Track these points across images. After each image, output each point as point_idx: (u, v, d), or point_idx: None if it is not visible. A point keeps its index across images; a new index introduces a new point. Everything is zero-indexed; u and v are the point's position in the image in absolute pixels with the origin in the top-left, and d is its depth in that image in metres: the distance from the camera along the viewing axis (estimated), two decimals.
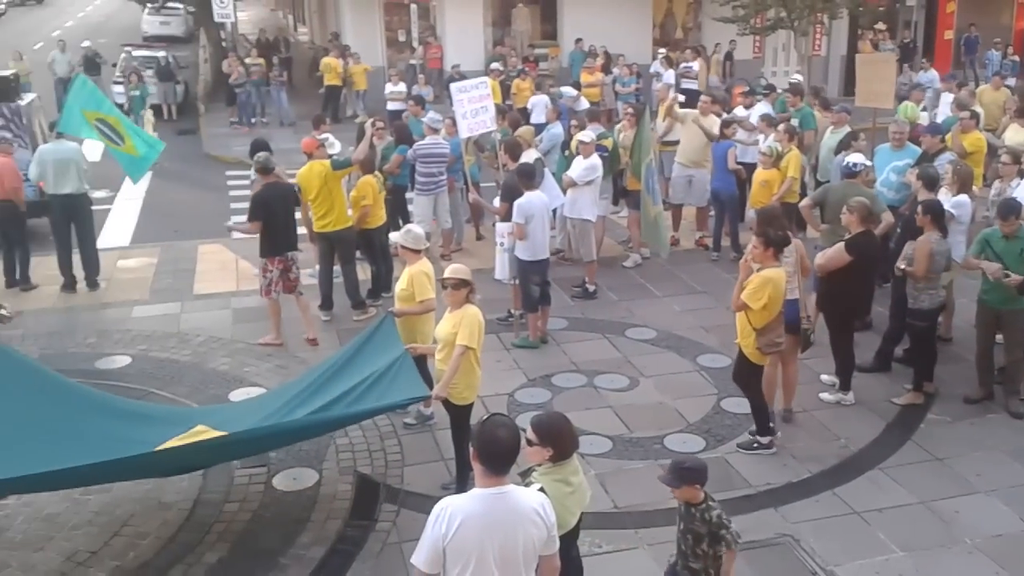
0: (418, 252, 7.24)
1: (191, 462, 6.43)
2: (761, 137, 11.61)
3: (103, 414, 6.27)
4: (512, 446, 3.74)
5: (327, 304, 9.92)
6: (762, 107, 13.06)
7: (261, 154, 9.36)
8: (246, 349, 9.15)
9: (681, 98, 12.83)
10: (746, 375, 7.10)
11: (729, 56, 24.08)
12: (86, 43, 24.62)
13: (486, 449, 3.71)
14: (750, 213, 11.19)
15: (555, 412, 4.75)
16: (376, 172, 10.26)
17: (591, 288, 10.48)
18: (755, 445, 7.18)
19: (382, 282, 10.38)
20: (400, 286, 7.25)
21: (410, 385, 6.27)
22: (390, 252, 10.31)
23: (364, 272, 10.47)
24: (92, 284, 10.90)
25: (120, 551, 6.06)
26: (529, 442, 4.27)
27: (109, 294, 10.81)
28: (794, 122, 12.08)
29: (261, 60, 22.45)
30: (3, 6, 45.94)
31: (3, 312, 6.83)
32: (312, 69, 24.51)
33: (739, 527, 6.20)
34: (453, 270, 6.36)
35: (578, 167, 10.17)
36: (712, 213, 12.01)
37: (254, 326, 9.65)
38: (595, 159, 10.23)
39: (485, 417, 3.90)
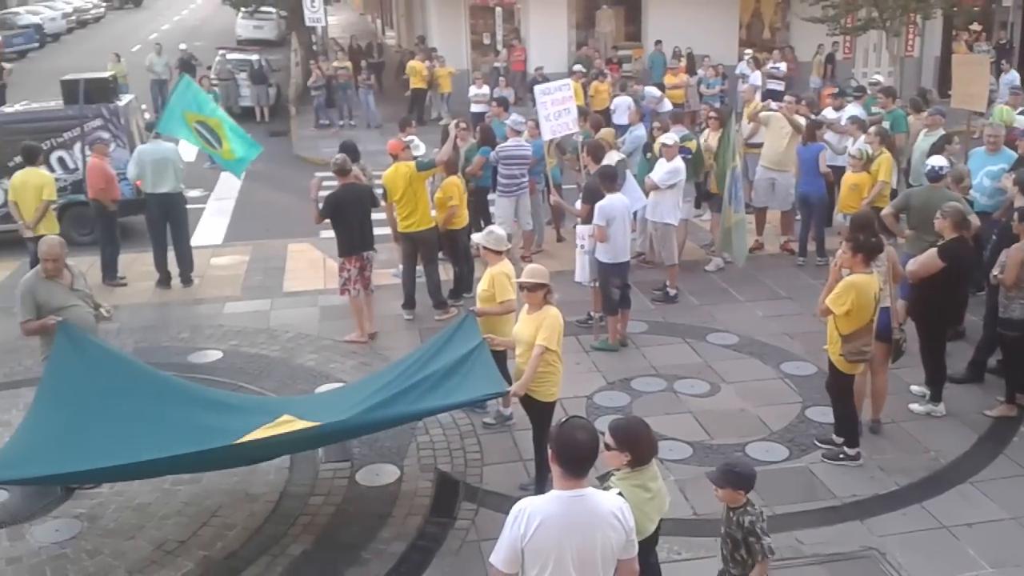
0: (499, 253, 7.30)
1: (275, 451, 6.60)
2: (851, 140, 11.36)
3: (193, 404, 6.46)
4: (590, 449, 3.74)
5: (410, 303, 10.07)
6: (852, 109, 12.77)
7: (338, 156, 9.54)
8: (332, 346, 9.35)
9: (774, 106, 12.60)
10: (836, 385, 6.97)
11: (831, 58, 23.53)
12: (182, 46, 25.43)
13: (564, 451, 3.72)
14: (838, 218, 10.96)
15: (634, 417, 4.73)
16: (459, 174, 10.38)
17: (672, 292, 10.40)
18: (841, 456, 7.03)
19: (464, 283, 10.49)
20: (481, 287, 7.32)
21: (489, 380, 6.33)
22: (471, 253, 10.42)
23: (446, 272, 10.60)
24: (186, 280, 11.27)
25: (208, 541, 6.26)
26: (607, 446, 4.27)
27: (202, 290, 11.17)
28: (885, 124, 11.78)
29: (348, 64, 22.87)
30: (103, 9, 47.74)
31: (103, 311, 7.10)
32: (399, 72, 24.87)
33: (823, 539, 6.13)
34: (529, 272, 6.38)
35: (661, 170, 10.11)
36: (798, 217, 11.79)
37: (340, 323, 9.85)
38: (678, 162, 10.16)
39: (564, 419, 3.91)
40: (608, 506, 3.75)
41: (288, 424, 6.20)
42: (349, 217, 9.18)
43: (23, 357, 8.77)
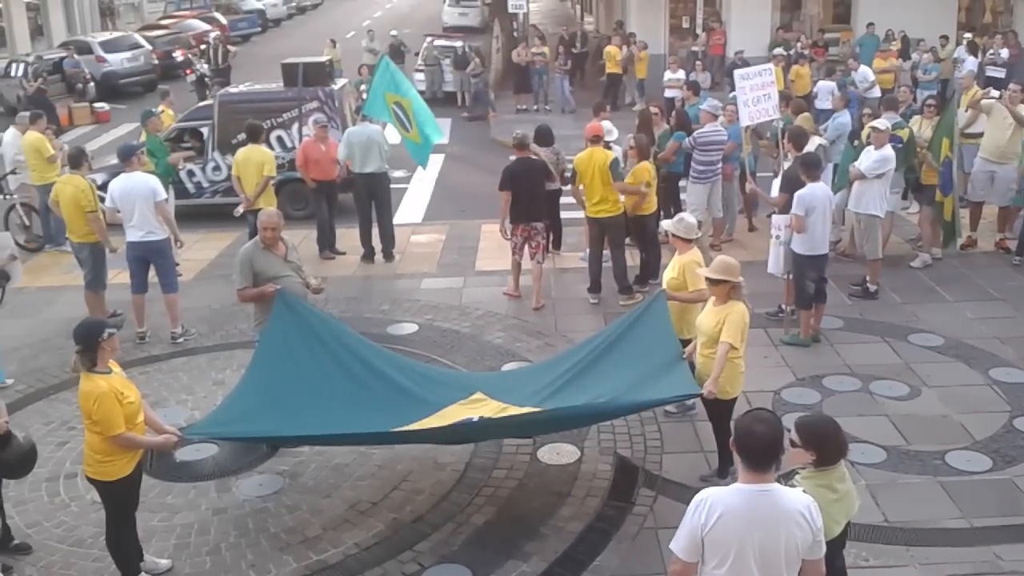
0: (689, 241, 7.21)
1: (470, 438, 6.87)
2: None
3: (398, 374, 6.82)
4: (771, 442, 3.66)
5: (595, 287, 10.13)
6: None
7: (518, 131, 10.04)
8: (519, 325, 9.58)
9: (995, 94, 11.75)
10: None
11: None
12: (393, 32, 26.49)
13: (743, 443, 3.67)
14: None
15: (823, 415, 4.57)
16: (650, 159, 10.31)
17: (872, 288, 9.93)
18: None
19: (650, 269, 10.43)
20: (670, 274, 7.25)
21: (680, 380, 6.26)
22: (658, 239, 10.35)
23: (632, 258, 10.58)
24: (388, 256, 11.82)
25: (398, 504, 6.59)
26: (792, 443, 4.15)
27: (402, 266, 11.69)
28: None
29: (545, 49, 23.11)
30: None
31: (312, 282, 7.54)
32: (595, 58, 24.89)
33: None
34: (717, 266, 6.26)
35: (869, 158, 9.64)
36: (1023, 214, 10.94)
37: (528, 304, 10.07)
38: (888, 150, 9.65)
39: (747, 411, 3.86)
40: (795, 504, 3.66)
41: (480, 403, 6.44)
42: (520, 188, 9.71)
43: (239, 321, 9.50)
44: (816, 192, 8.50)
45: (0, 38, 32.44)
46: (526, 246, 10.06)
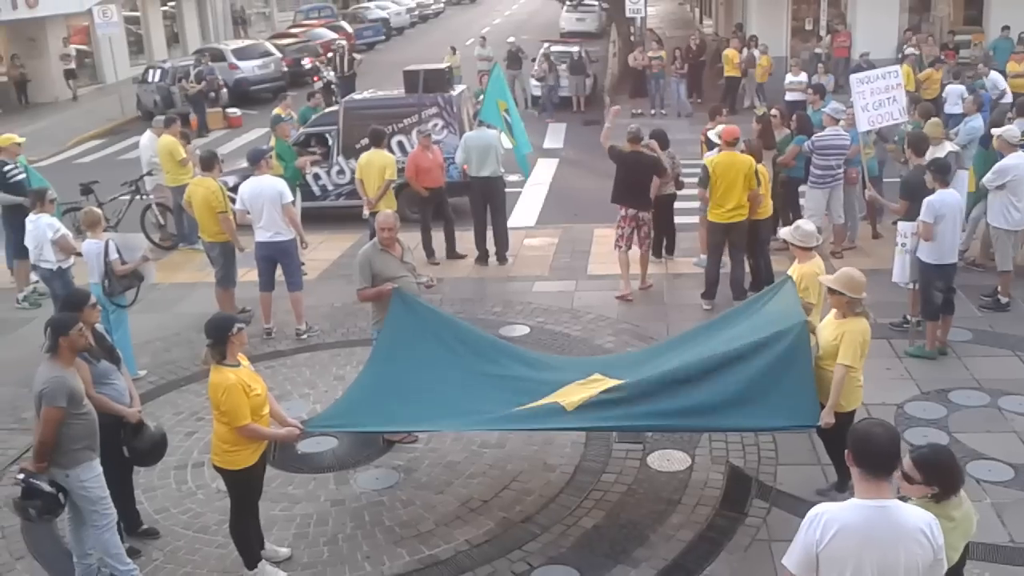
0: (807, 250, 7.00)
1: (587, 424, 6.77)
2: None
3: (514, 362, 6.96)
4: (890, 447, 3.55)
5: (711, 294, 9.99)
6: None
7: (633, 126, 10.43)
8: (630, 329, 9.55)
9: None
10: None
11: None
12: (510, 39, 26.76)
13: (860, 447, 3.56)
14: None
15: (939, 446, 4.32)
16: (764, 162, 10.09)
17: (1004, 300, 9.48)
18: None
19: (761, 276, 10.21)
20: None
21: (804, 410, 5.98)
22: (767, 246, 10.20)
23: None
24: (502, 258, 11.99)
25: (508, 503, 6.68)
26: (908, 478, 3.93)
27: (515, 268, 11.82)
28: None
29: (662, 53, 22.93)
30: (442, 5, 51.36)
31: (424, 280, 7.71)
32: (714, 61, 24.55)
33: None
34: (840, 278, 6.02)
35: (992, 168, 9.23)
36: None
37: (638, 309, 10.06)
38: (1010, 160, 9.22)
39: (860, 420, 3.75)
40: (915, 520, 3.54)
41: (598, 382, 6.44)
42: (628, 172, 10.21)
43: (359, 320, 9.78)
44: (946, 199, 8.19)
45: (138, 45, 34.32)
46: (633, 236, 10.31)
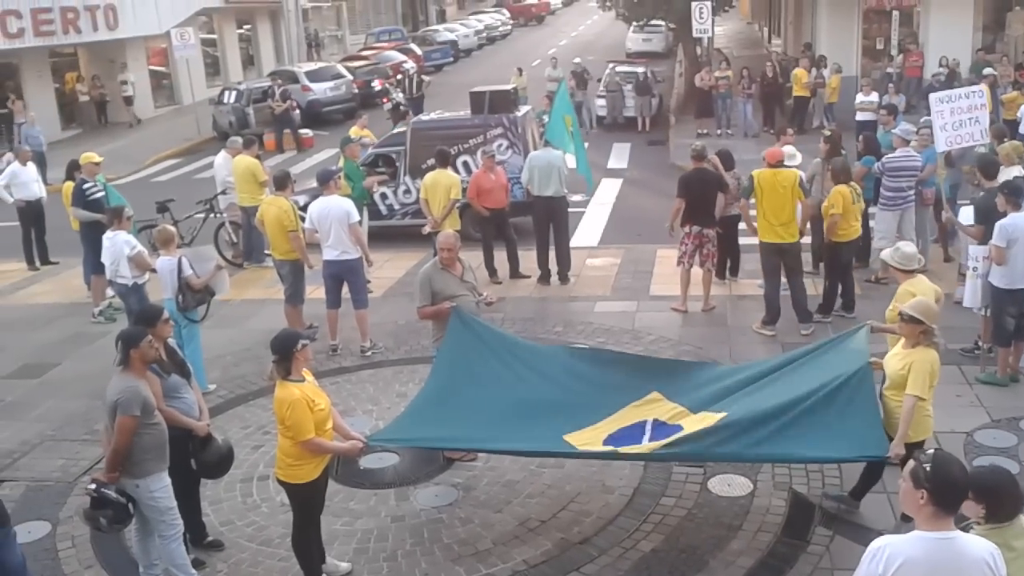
0: (909, 272, 6.81)
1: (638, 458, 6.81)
2: None
3: (572, 380, 6.95)
4: (965, 486, 3.51)
5: (772, 320, 9.83)
6: None
7: (697, 143, 10.65)
8: (691, 351, 9.47)
9: None
10: None
11: None
12: (576, 59, 26.89)
13: (941, 487, 3.46)
14: None
15: (1000, 467, 4.23)
16: (852, 183, 9.92)
17: None
18: None
19: (842, 300, 10.02)
20: (891, 306, 6.83)
21: (870, 441, 5.88)
22: (852, 269, 10.02)
23: (815, 287, 10.24)
24: (564, 278, 12.02)
25: (566, 524, 6.67)
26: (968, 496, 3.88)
27: (577, 288, 11.84)
28: None
29: (729, 73, 22.79)
30: (509, 26, 51.79)
31: (485, 298, 7.77)
32: (783, 80, 24.27)
33: None
34: (915, 305, 5.91)
35: None
36: None
37: (700, 331, 10.00)
38: None
39: (929, 452, 3.66)
40: (979, 551, 3.48)
41: (655, 404, 6.43)
42: (694, 195, 10.33)
43: (422, 337, 9.88)
44: (1019, 222, 7.99)
45: (215, 67, 35.32)
46: (696, 254, 10.32)
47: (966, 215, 9.25)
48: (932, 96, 10.45)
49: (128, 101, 29.58)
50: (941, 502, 3.47)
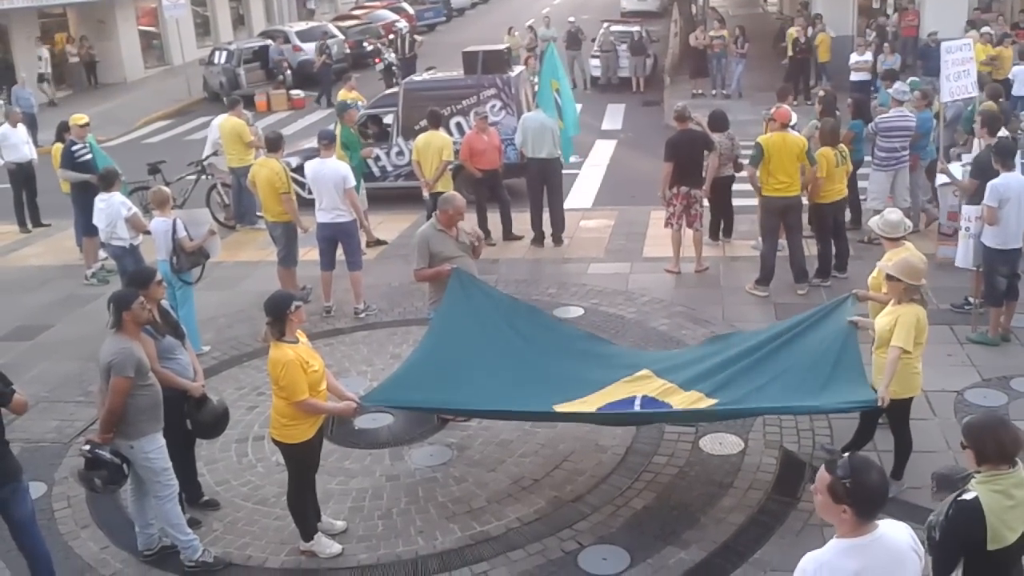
0: (896, 240, 6.66)
1: (628, 423, 6.95)
2: None
3: (564, 350, 7.04)
4: (886, 490, 3.48)
5: (766, 280, 9.83)
6: None
7: (679, 104, 10.52)
8: (685, 312, 9.51)
9: None
10: None
11: None
12: (571, 19, 26.63)
13: (863, 501, 3.35)
14: None
15: (992, 414, 4.28)
16: (840, 145, 9.88)
17: None
18: None
19: (835, 261, 10.03)
20: (874, 273, 6.74)
21: (856, 386, 6.00)
22: (844, 230, 10.02)
23: (809, 249, 10.26)
24: (557, 240, 12.01)
25: (559, 483, 6.74)
26: (961, 444, 4.01)
27: (570, 250, 11.84)
28: None
29: (724, 33, 22.61)
30: None
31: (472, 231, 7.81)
32: (777, 40, 24.11)
33: None
34: (898, 265, 5.96)
35: None
36: None
37: (693, 292, 10.03)
38: None
39: (843, 458, 3.46)
40: (904, 539, 3.50)
41: (645, 380, 6.49)
42: (682, 157, 10.23)
43: (415, 299, 9.89)
44: (1011, 182, 7.99)
45: (205, 27, 34.91)
46: (684, 214, 10.31)
47: (958, 170, 9.26)
48: (943, 46, 10.23)
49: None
50: (865, 512, 3.39)
